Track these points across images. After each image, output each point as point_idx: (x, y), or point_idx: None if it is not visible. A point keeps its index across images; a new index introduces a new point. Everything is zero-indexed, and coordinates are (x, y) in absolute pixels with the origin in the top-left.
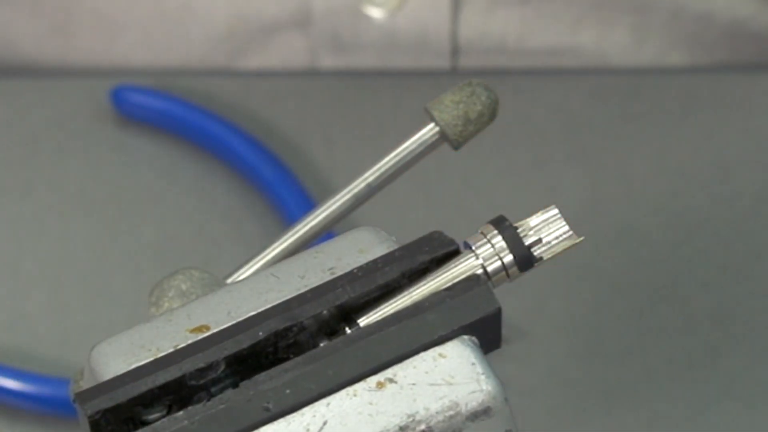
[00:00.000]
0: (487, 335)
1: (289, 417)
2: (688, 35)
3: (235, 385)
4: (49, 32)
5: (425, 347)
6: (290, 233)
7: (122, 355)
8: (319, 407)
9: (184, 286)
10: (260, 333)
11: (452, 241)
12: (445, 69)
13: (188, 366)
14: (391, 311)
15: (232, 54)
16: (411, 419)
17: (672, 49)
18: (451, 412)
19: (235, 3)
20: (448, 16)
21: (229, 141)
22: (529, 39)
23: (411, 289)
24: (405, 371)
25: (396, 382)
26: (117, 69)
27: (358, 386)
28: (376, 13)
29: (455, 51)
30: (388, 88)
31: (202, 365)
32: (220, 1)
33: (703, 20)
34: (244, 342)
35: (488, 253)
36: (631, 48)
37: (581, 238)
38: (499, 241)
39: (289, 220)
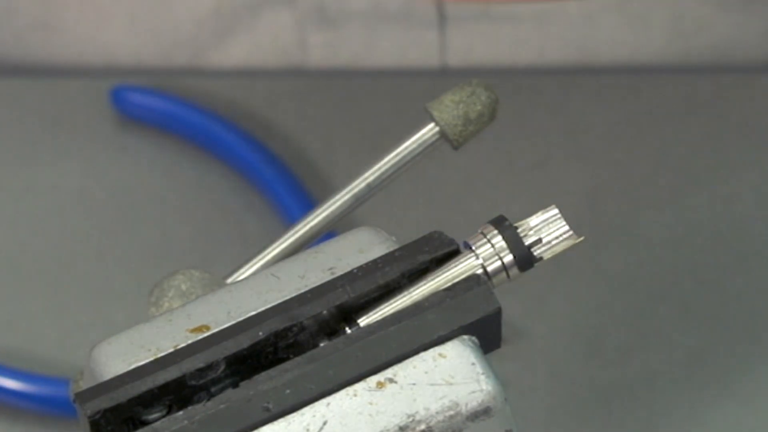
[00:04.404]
0: (487, 335)
1: (289, 417)
2: None
3: (235, 385)
4: (29, 29)
5: (425, 347)
6: (290, 233)
7: (122, 355)
8: (319, 407)
9: (184, 286)
10: (260, 333)
11: (452, 241)
12: (436, 60)
13: (188, 366)
14: (391, 311)
15: (221, 31)
16: (411, 419)
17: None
18: (451, 412)
19: None
20: None
21: (229, 141)
22: None
23: (411, 289)
24: (405, 371)
25: (396, 382)
26: (104, 62)
27: (358, 386)
28: None
29: (442, 16)
30: (388, 87)
31: (202, 365)
32: None
33: None
34: (244, 342)
35: (488, 253)
36: None
37: (581, 238)
38: (499, 241)
39: (289, 220)
